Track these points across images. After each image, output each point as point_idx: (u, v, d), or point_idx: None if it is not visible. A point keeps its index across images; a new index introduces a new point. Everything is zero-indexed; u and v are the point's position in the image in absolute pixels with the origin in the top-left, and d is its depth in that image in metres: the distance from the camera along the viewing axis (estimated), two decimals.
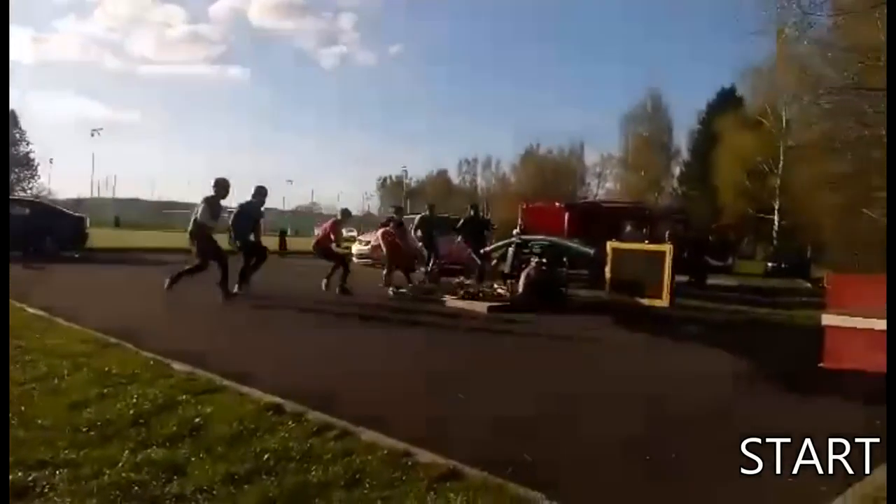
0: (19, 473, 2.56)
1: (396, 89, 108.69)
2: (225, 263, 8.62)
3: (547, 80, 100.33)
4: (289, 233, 31.62)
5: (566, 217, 15.61)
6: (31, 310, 6.67)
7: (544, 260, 10.78)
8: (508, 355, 6.28)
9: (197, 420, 3.37)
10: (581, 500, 2.67)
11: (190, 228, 8.79)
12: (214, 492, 2.54)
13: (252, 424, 3.32)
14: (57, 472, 2.59)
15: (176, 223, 48.56)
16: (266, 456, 2.88)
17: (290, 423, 3.37)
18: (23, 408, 3.37)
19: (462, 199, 74.15)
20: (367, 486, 2.61)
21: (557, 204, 17.69)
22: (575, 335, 7.48)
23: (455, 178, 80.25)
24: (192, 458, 2.84)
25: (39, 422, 3.19)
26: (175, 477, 2.64)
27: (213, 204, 8.71)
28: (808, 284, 20.20)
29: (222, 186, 8.88)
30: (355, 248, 18.98)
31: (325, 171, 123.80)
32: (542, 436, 3.56)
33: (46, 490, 2.46)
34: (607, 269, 11.20)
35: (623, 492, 2.83)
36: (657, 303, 10.41)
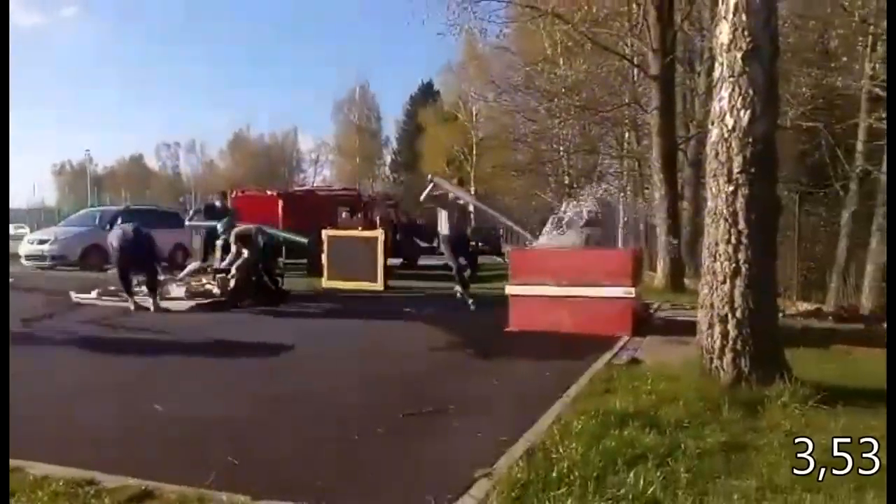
0: None
1: (72, 58, 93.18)
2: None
3: (255, 59, 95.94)
4: None
5: (280, 206, 15.33)
6: None
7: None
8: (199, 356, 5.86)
9: None
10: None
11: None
12: None
13: None
14: None
15: None
16: None
17: None
18: None
19: (163, 187, 67.69)
20: None
21: (270, 192, 17.27)
22: (276, 324, 7.41)
23: (154, 164, 72.73)
24: None
25: None
26: None
27: None
28: (501, 259, 23.03)
29: None
30: (26, 248, 15.96)
31: None
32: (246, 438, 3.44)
33: None
34: (324, 257, 11.33)
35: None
36: (372, 286, 10.87)
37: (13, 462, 2.82)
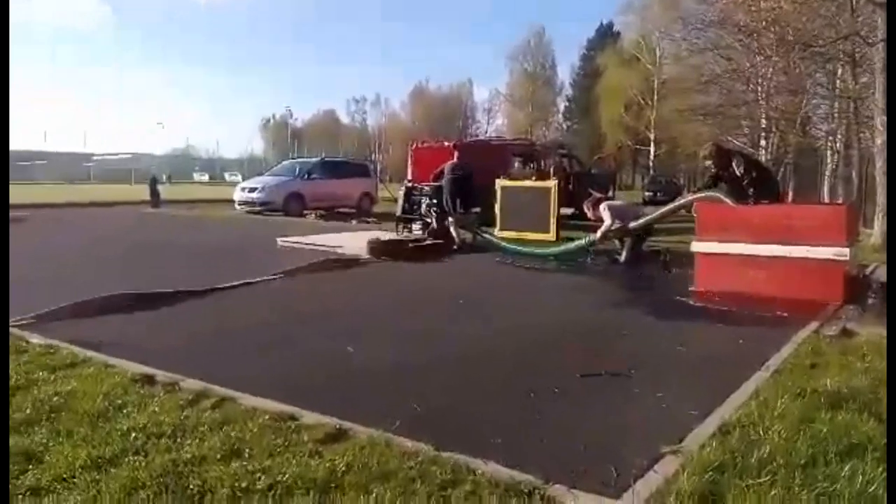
0: None
1: (275, 24, 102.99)
2: None
3: (433, 13, 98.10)
4: (162, 180, 29.62)
5: (456, 156, 15.56)
6: None
7: (434, 201, 10.81)
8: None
9: (56, 400, 3.07)
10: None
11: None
12: (75, 480, 2.31)
13: (119, 400, 3.06)
14: None
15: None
16: (134, 434, 2.66)
17: (161, 394, 3.15)
18: None
19: (353, 139, 72.54)
20: (247, 457, 2.48)
21: (447, 143, 17.58)
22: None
23: (344, 118, 78.14)
24: (51, 444, 2.59)
25: None
26: (30, 467, 2.39)
27: None
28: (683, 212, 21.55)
29: None
30: (238, 195, 18.14)
31: (200, 112, 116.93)
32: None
33: None
34: (496, 207, 11.36)
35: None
36: (544, 237, 10.72)
37: (226, 391, 3.17)
